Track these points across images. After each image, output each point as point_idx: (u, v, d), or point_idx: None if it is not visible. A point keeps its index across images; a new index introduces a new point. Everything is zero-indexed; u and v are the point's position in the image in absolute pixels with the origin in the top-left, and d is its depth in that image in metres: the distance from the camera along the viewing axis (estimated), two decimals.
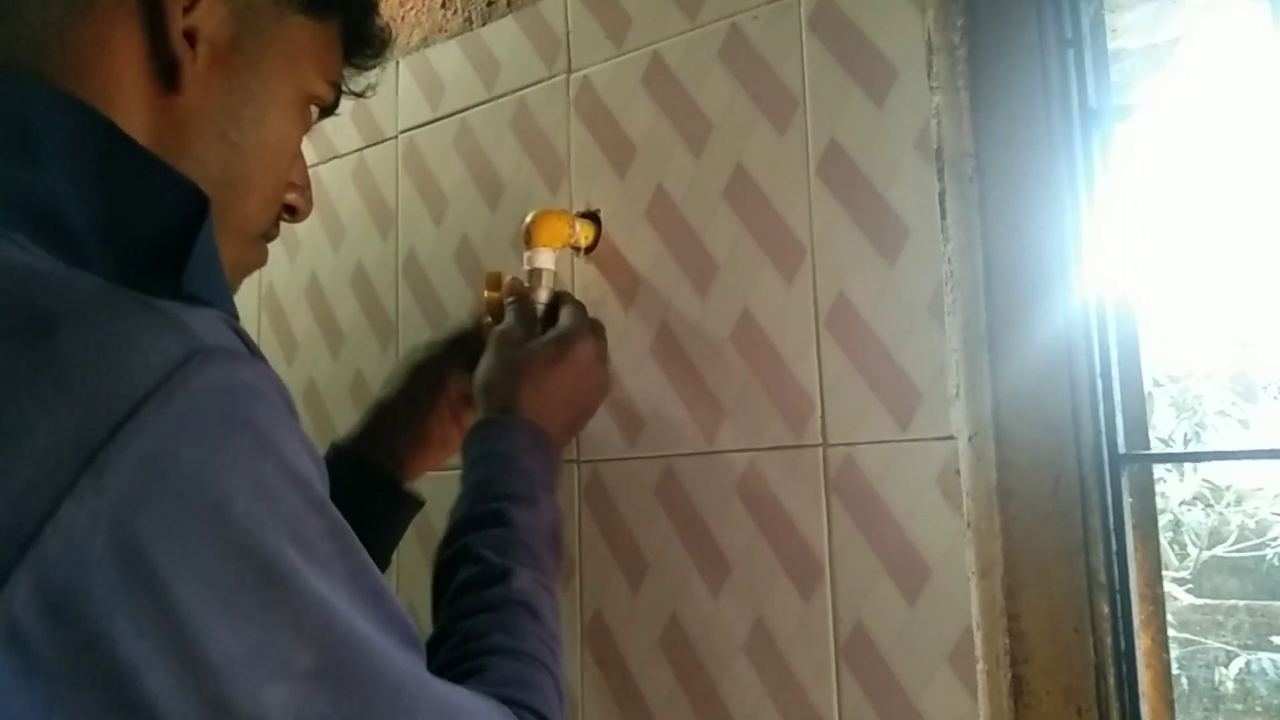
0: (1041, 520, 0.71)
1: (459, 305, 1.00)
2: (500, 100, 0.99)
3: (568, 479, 0.89)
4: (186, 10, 0.52)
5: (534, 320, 0.81)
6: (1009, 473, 0.72)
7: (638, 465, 0.85)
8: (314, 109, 0.63)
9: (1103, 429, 0.70)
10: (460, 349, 0.84)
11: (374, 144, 1.11)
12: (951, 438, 0.71)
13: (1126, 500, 0.71)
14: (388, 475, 0.81)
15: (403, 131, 1.08)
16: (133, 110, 0.51)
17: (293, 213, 0.64)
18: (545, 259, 0.84)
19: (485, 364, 0.77)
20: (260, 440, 0.41)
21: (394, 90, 1.09)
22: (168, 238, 0.47)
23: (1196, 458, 0.73)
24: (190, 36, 0.52)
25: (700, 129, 0.85)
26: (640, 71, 0.89)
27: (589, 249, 0.90)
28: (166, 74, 0.52)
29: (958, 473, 0.70)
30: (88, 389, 0.37)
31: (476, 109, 1.01)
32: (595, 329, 0.82)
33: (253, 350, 0.44)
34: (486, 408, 0.75)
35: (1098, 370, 0.71)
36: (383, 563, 0.82)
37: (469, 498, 0.69)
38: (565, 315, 0.80)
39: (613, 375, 0.84)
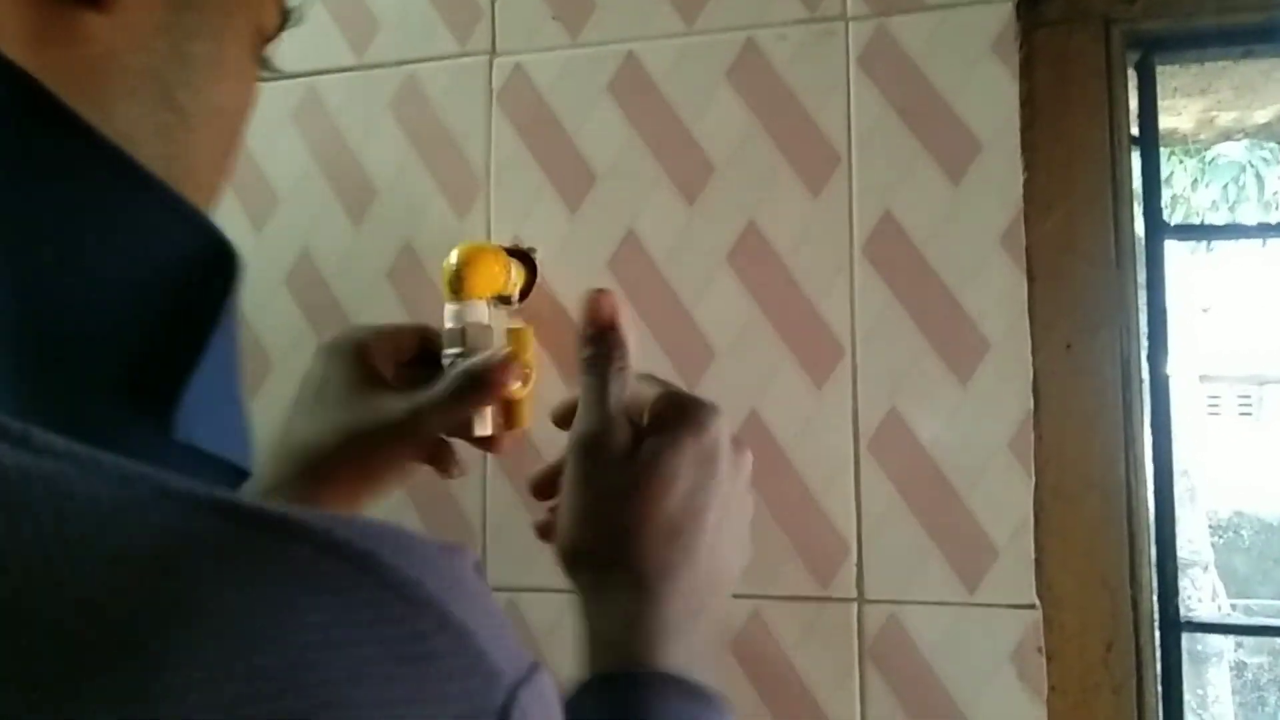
0: (1090, 691, 0.62)
1: (289, 348, 0.71)
2: (376, 71, 0.72)
3: None
4: None
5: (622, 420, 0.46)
6: (1053, 635, 0.62)
7: None
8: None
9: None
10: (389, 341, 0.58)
11: None
12: (1033, 606, 0.58)
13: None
14: None
15: None
16: (16, 35, 0.27)
17: None
18: (480, 314, 0.60)
19: (571, 510, 0.44)
20: None
21: None
22: (153, 326, 0.29)
23: (1260, 631, 0.69)
24: None
25: (695, 167, 0.65)
26: (606, 74, 0.67)
27: (519, 299, 0.66)
28: None
29: (1040, 650, 0.58)
30: None
31: (335, 75, 0.72)
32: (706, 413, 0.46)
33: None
34: (586, 622, 0.43)
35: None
36: None
37: None
38: (654, 392, 0.47)
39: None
